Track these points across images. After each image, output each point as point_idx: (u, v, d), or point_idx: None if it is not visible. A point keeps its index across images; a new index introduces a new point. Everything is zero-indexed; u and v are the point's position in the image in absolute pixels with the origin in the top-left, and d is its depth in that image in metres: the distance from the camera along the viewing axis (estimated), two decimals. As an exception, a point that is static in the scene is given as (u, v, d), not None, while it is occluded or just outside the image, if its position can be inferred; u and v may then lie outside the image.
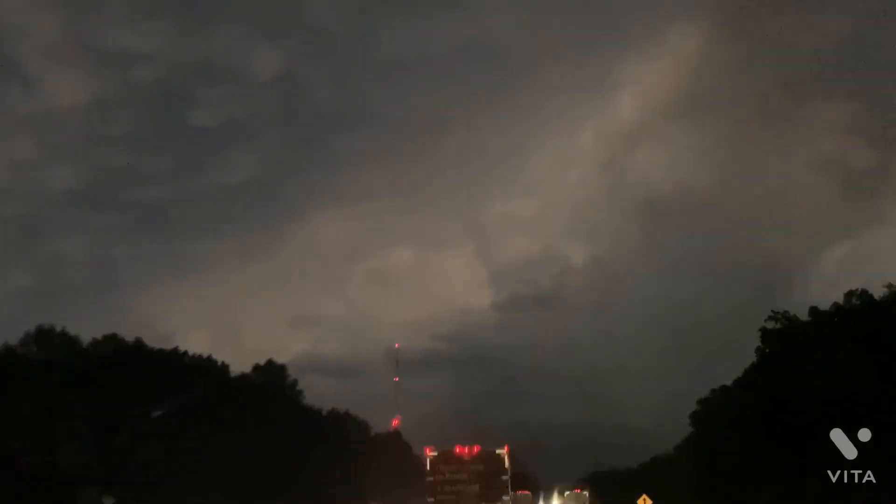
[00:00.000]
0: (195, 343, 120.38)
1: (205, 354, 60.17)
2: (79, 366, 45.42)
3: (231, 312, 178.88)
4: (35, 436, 39.83)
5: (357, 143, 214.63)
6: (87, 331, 50.62)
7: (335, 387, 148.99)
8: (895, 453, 29.11)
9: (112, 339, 51.35)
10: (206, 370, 58.03)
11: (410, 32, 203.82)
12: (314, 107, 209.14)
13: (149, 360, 51.83)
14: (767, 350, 50.18)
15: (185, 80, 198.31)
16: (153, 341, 55.22)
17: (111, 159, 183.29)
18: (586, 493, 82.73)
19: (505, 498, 34.26)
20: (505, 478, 33.81)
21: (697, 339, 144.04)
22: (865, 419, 25.31)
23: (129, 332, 53.36)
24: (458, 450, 33.78)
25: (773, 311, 50.10)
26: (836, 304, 47.29)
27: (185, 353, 59.87)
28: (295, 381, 68.12)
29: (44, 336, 46.68)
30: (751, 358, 52.58)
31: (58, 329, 47.56)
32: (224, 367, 61.28)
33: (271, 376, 64.98)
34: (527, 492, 64.97)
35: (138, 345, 52.81)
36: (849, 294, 46.77)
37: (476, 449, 33.45)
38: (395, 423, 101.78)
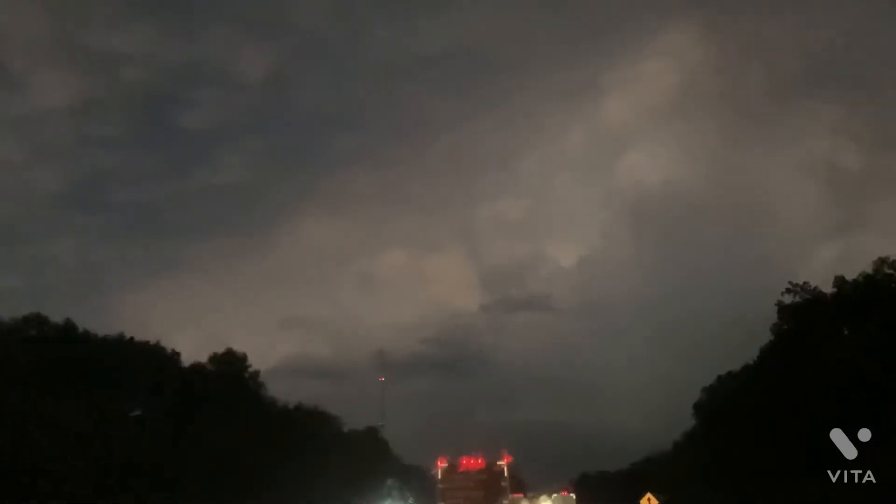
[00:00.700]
0: (182, 345, 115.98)
1: (152, 341, 53.77)
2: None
3: (219, 314, 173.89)
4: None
5: (346, 145, 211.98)
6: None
7: (323, 389, 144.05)
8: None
9: (36, 320, 44.65)
10: (153, 357, 51.49)
11: (400, 36, 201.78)
12: (303, 109, 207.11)
13: (83, 343, 45.44)
14: (786, 327, 44.46)
15: (174, 83, 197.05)
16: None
17: (98, 161, 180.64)
18: (573, 495, 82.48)
19: (504, 502, 37.56)
20: (504, 485, 37.56)
21: (687, 340, 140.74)
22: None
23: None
24: (465, 461, 36.90)
25: (790, 282, 44.50)
26: (864, 274, 41.66)
27: (132, 339, 53.43)
28: (257, 373, 62.06)
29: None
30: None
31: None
32: (174, 355, 54.88)
33: (229, 366, 58.52)
34: (520, 495, 64.53)
35: (69, 326, 46.15)
36: (879, 261, 41.14)
37: (481, 461, 36.69)
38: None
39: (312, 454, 55.31)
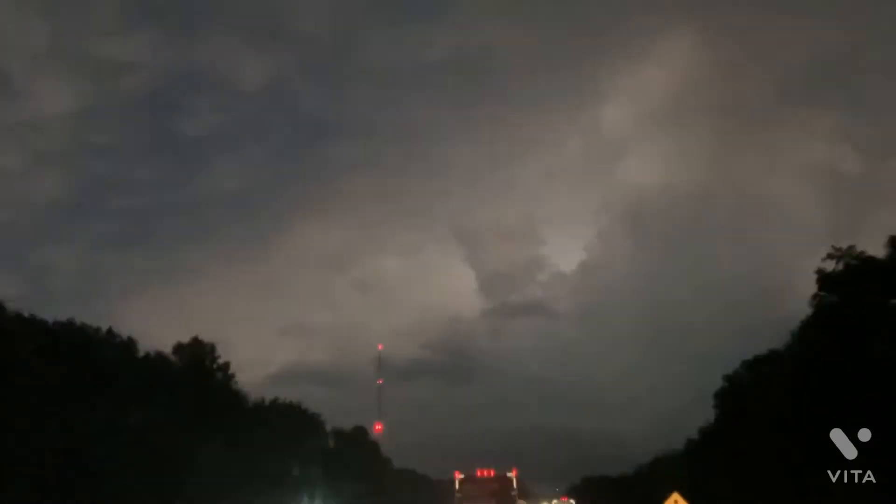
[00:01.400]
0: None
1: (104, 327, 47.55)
2: None
3: (219, 322, 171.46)
4: None
5: (345, 152, 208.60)
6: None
7: (323, 395, 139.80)
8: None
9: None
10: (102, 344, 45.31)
11: (399, 43, 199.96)
12: (302, 116, 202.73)
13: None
14: (828, 298, 38.48)
15: (173, 90, 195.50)
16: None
17: (98, 168, 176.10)
18: (572, 501, 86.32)
19: None
20: (513, 493, 40.84)
21: (687, 344, 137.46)
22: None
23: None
24: (479, 473, 41.54)
25: (833, 246, 38.55)
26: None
27: (83, 325, 47.23)
28: (227, 364, 55.86)
29: None
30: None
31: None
32: (130, 342, 48.59)
33: (193, 357, 52.39)
34: (523, 502, 62.69)
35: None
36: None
37: (492, 472, 41.50)
38: (377, 428, 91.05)
39: (282, 453, 49.07)
